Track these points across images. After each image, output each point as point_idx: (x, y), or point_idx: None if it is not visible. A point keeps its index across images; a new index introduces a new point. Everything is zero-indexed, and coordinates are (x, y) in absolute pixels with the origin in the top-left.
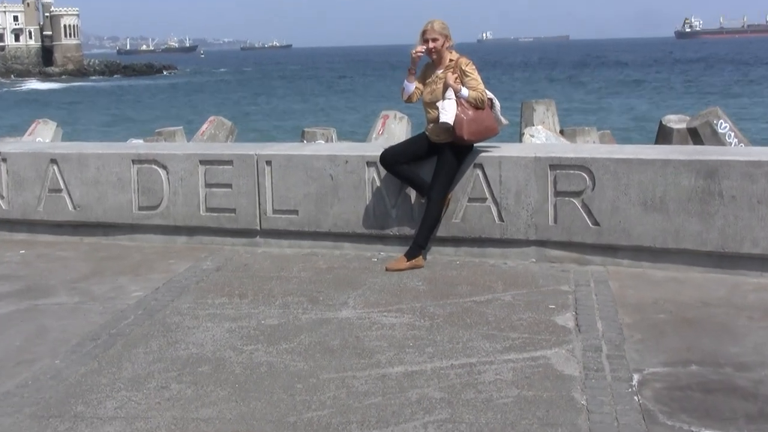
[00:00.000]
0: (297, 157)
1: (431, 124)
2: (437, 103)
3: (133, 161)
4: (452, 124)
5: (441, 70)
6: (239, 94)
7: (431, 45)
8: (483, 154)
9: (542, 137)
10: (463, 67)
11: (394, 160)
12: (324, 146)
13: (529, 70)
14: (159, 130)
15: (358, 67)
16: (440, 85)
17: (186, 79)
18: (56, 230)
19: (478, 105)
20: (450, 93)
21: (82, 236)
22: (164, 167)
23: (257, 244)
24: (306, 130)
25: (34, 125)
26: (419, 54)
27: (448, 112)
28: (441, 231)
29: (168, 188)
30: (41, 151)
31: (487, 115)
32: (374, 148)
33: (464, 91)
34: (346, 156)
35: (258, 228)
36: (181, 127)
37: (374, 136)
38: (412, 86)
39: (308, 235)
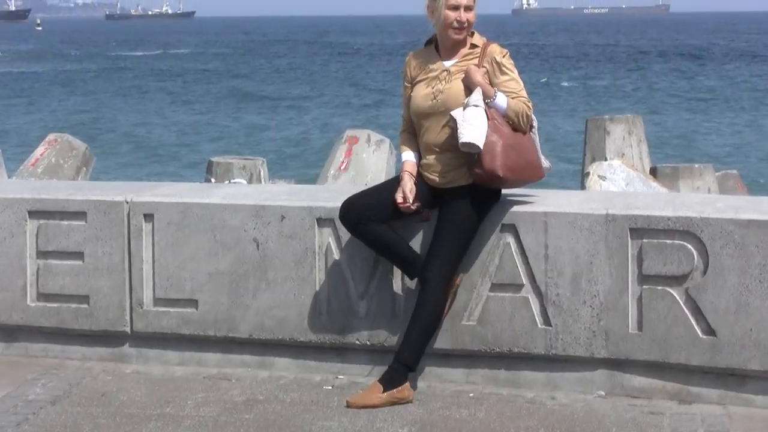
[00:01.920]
0: (197, 207)
1: (431, 155)
2: (454, 113)
3: None
4: (481, 147)
5: (453, 61)
6: (102, 96)
7: (464, 17)
8: (517, 208)
9: (620, 180)
10: (498, 59)
11: (363, 215)
12: (246, 190)
13: (587, 62)
14: None
15: (303, 49)
16: (453, 84)
17: (9, 67)
18: None
19: (519, 124)
20: (476, 96)
21: None
22: None
23: (126, 358)
24: (215, 160)
25: None
26: (409, 207)
27: (473, 126)
28: (443, 340)
29: None
30: None
31: (530, 144)
32: (330, 194)
33: (501, 99)
34: (282, 207)
35: (128, 330)
36: None
37: (332, 172)
38: (413, 154)
39: (214, 344)
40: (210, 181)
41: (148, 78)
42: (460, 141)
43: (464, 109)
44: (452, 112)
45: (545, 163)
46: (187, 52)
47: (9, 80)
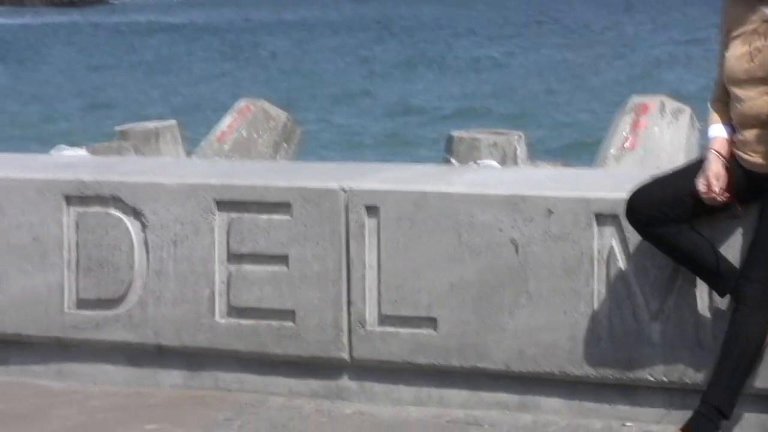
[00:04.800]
0: (437, 198)
1: (750, 129)
2: None
3: (68, 199)
4: None
5: None
6: (315, 51)
7: None
8: None
9: None
10: None
11: (656, 211)
12: (499, 175)
13: None
14: (124, 128)
15: None
16: None
17: (168, 16)
18: None
19: None
20: None
21: None
22: (136, 213)
23: (345, 394)
24: (457, 134)
25: None
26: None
27: None
28: None
29: (144, 261)
30: None
31: None
32: (613, 180)
33: None
34: (548, 199)
35: (346, 357)
36: (173, 122)
37: (613, 151)
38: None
39: (460, 377)
40: (450, 162)
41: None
42: None
43: None
44: None
45: None
46: None
47: (192, 31)
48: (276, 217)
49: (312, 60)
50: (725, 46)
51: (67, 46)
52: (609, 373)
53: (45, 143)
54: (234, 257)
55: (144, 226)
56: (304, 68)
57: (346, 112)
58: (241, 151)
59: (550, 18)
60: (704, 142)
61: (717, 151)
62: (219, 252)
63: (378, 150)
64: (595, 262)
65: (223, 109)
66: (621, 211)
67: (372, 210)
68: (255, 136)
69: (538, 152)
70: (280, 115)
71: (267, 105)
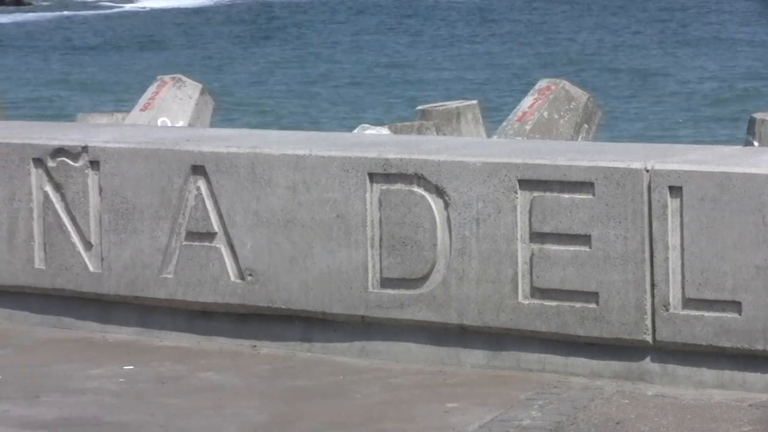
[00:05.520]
0: (740, 179)
1: None
2: None
3: (372, 176)
4: None
5: None
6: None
7: None
8: None
9: None
10: None
11: None
12: None
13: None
14: (425, 107)
15: None
16: None
17: None
18: (201, 325)
19: None
20: None
21: (258, 340)
22: (439, 191)
23: (647, 376)
24: (759, 117)
25: (155, 87)
26: None
27: None
28: None
29: (447, 239)
30: (171, 148)
31: None
32: None
33: None
34: None
35: (649, 339)
36: (474, 101)
37: None
38: None
39: (762, 360)
40: (752, 144)
41: None
42: None
43: None
44: None
45: None
46: None
47: (456, 9)
48: (578, 196)
49: (587, 38)
50: None
51: (336, 24)
52: None
53: (344, 123)
54: (536, 236)
55: (447, 204)
56: (581, 48)
57: (634, 94)
58: (542, 131)
59: None
60: None
61: None
62: (521, 232)
63: (668, 132)
64: None
65: (518, 89)
66: None
67: (675, 190)
68: (556, 116)
69: None
70: (581, 95)
71: (568, 85)
